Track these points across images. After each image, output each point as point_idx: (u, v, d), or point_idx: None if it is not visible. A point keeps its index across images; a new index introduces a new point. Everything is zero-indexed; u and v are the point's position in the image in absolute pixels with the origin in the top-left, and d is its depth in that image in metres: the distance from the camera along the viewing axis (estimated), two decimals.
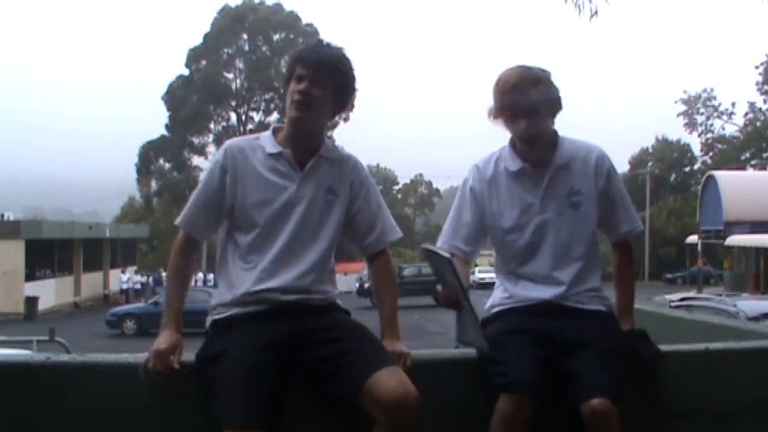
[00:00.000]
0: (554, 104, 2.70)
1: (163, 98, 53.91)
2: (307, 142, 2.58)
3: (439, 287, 2.59)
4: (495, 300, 2.78)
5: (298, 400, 2.43)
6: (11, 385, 2.49)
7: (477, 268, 47.35)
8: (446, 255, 2.52)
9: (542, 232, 2.69)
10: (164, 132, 54.37)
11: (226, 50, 54.44)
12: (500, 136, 2.78)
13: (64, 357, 2.78)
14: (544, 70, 2.70)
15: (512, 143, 2.77)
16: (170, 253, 2.62)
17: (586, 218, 2.72)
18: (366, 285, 30.95)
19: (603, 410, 2.35)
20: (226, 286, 2.54)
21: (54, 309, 33.54)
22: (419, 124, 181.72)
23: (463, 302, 2.52)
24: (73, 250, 37.70)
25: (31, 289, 32.01)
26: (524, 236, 2.70)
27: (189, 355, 2.47)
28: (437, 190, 78.76)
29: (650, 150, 60.90)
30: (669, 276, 47.54)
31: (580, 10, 7.50)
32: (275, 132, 2.63)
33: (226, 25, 53.54)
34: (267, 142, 2.59)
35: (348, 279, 37.28)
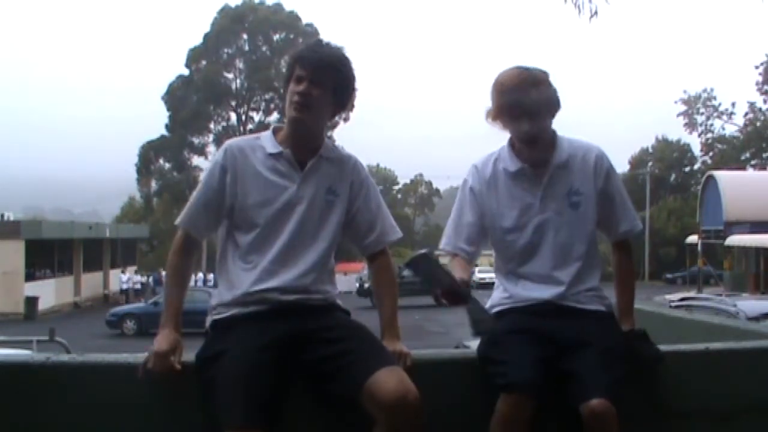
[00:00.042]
0: (554, 104, 2.70)
1: (163, 98, 53.90)
2: (307, 142, 2.58)
3: (438, 291, 2.56)
4: (495, 300, 2.78)
5: (298, 400, 2.43)
6: (11, 385, 2.49)
7: (477, 268, 47.29)
8: (421, 251, 2.52)
9: (542, 232, 2.69)
10: (164, 132, 54.36)
11: (226, 50, 54.43)
12: (500, 137, 2.79)
13: (64, 357, 2.78)
14: (542, 71, 2.70)
15: (511, 143, 2.77)
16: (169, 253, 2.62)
17: (585, 218, 2.72)
18: (366, 285, 30.93)
19: (602, 410, 2.35)
20: (226, 286, 2.54)
21: (54, 309, 33.54)
22: (419, 124, 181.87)
23: (463, 290, 2.52)
24: (73, 250, 37.70)
25: (31, 289, 32.01)
26: (524, 236, 2.70)
27: (189, 355, 2.47)
28: (437, 190, 78.76)
29: (650, 150, 60.91)
30: (669, 276, 47.55)
31: (580, 10, 7.50)
32: (275, 132, 2.63)
33: (226, 25, 53.52)
34: (267, 142, 2.59)
35: (348, 279, 37.26)
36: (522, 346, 2.50)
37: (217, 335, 2.47)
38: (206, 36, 53.94)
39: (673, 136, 60.42)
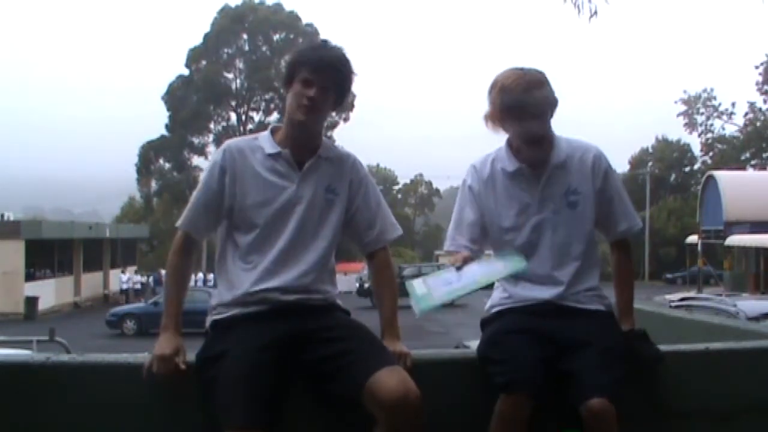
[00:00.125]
0: (555, 104, 2.71)
1: (163, 98, 53.89)
2: (307, 143, 2.58)
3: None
4: (494, 300, 2.78)
5: (298, 400, 2.43)
6: (11, 385, 2.49)
7: None
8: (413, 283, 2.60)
9: (540, 232, 2.69)
10: (164, 132, 54.35)
11: (226, 50, 54.41)
12: (501, 137, 2.78)
13: (64, 357, 2.78)
14: (540, 71, 2.71)
15: (509, 144, 2.77)
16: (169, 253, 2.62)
17: (583, 217, 2.72)
18: (366, 285, 30.95)
19: (602, 410, 2.35)
20: (226, 286, 2.54)
21: (54, 309, 33.54)
22: (419, 124, 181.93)
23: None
24: (73, 250, 37.70)
25: (31, 289, 32.00)
26: (522, 236, 2.71)
27: (189, 355, 2.47)
28: (437, 190, 78.74)
29: (650, 150, 60.91)
30: (669, 276, 47.55)
31: (579, 10, 7.50)
32: (273, 132, 2.63)
33: (226, 25, 53.51)
34: (265, 142, 2.59)
35: (348, 279, 37.27)
36: (522, 346, 2.50)
37: (217, 335, 2.47)
38: (206, 36, 53.93)
39: (673, 136, 60.51)
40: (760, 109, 55.57)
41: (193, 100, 52.87)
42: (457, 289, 2.55)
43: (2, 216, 36.74)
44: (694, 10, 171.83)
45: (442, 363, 2.67)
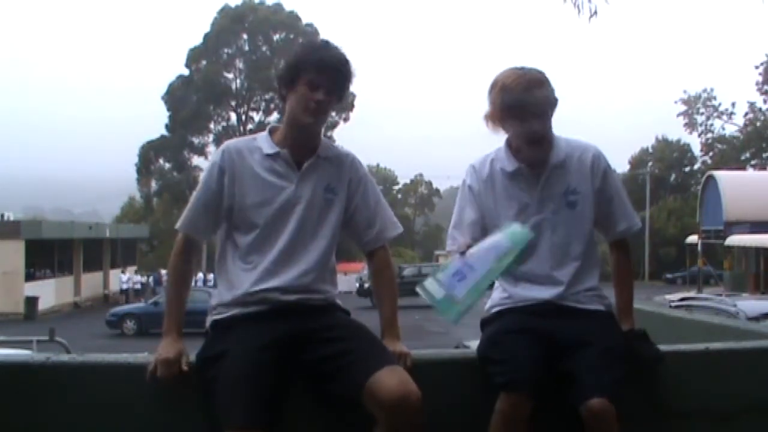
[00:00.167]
0: (554, 104, 2.71)
1: (163, 98, 53.89)
2: (306, 143, 2.58)
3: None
4: (494, 300, 2.78)
5: (298, 400, 2.43)
6: (11, 385, 2.49)
7: None
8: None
9: (539, 232, 2.69)
10: (164, 132, 54.36)
11: (226, 50, 54.42)
12: (501, 137, 2.78)
13: (64, 357, 2.79)
14: (540, 71, 2.70)
15: (508, 144, 2.77)
16: (170, 253, 2.62)
17: (582, 217, 2.72)
18: (366, 285, 30.93)
19: (602, 410, 2.35)
20: (226, 286, 2.54)
21: (54, 309, 33.54)
22: (419, 124, 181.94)
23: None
24: (73, 250, 37.70)
25: (31, 289, 32.00)
26: None
27: (189, 355, 2.47)
28: (437, 190, 78.71)
29: (650, 150, 60.91)
30: (669, 276, 47.55)
31: (579, 10, 7.50)
32: (272, 132, 2.63)
33: (226, 25, 53.51)
34: (264, 142, 2.59)
35: (348, 279, 37.26)
36: (522, 346, 2.50)
37: (217, 335, 2.47)
38: (206, 36, 53.93)
39: (673, 136, 60.49)
40: (760, 109, 55.61)
41: (193, 100, 52.86)
42: (478, 282, 2.52)
43: (2, 216, 36.73)
44: (694, 10, 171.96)
45: (442, 363, 2.68)
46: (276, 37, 53.86)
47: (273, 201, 2.52)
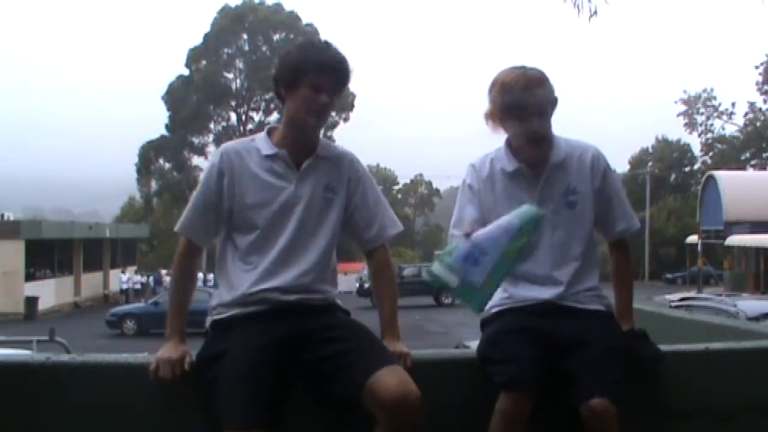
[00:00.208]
0: (554, 103, 2.71)
1: (163, 98, 53.92)
2: (305, 143, 2.58)
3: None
4: (494, 301, 2.77)
5: (298, 400, 2.43)
6: (11, 385, 2.49)
7: None
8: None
9: (539, 232, 2.68)
10: (164, 132, 54.38)
11: (226, 50, 54.43)
12: (501, 137, 2.78)
13: (64, 357, 2.78)
14: (540, 70, 2.70)
15: (508, 144, 2.77)
16: (170, 253, 2.62)
17: (582, 217, 2.72)
18: (366, 285, 30.95)
19: (602, 410, 2.35)
20: (226, 287, 2.54)
21: (54, 309, 33.54)
22: (419, 124, 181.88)
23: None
24: (73, 250, 37.70)
25: (31, 289, 32.00)
26: None
27: (192, 355, 2.47)
28: (437, 190, 78.68)
29: (650, 150, 60.88)
30: (669, 276, 47.54)
31: (579, 10, 7.50)
32: (270, 133, 2.62)
33: (226, 25, 53.53)
34: (262, 143, 2.59)
35: (348, 279, 37.29)
36: (522, 345, 2.50)
37: (217, 335, 2.47)
38: (206, 36, 53.95)
39: (673, 136, 60.46)
40: (760, 109, 55.60)
41: (193, 100, 52.88)
42: (495, 266, 2.47)
43: (2, 216, 36.75)
44: (694, 10, 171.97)
45: (442, 363, 2.67)
46: (276, 37, 53.86)
47: (272, 202, 2.52)
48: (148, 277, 43.44)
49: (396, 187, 77.23)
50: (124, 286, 39.71)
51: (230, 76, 55.04)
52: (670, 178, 59.78)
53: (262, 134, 2.63)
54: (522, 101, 2.61)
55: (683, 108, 58.82)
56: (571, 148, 2.75)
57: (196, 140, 54.80)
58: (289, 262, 2.50)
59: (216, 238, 2.64)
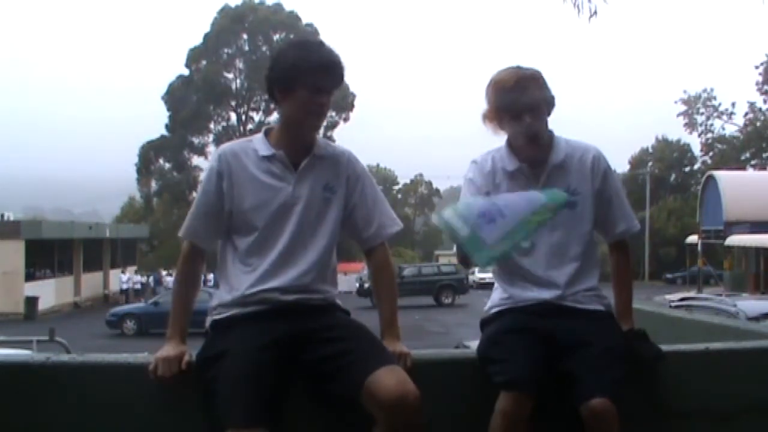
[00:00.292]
0: (551, 102, 2.71)
1: (163, 98, 53.95)
2: (302, 143, 2.58)
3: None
4: (494, 301, 2.78)
5: (298, 400, 2.43)
6: (11, 385, 2.49)
7: (477, 268, 47.39)
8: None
9: (538, 232, 2.69)
10: (164, 132, 54.42)
11: (226, 50, 54.46)
12: (500, 138, 2.78)
13: (64, 357, 2.78)
14: (536, 70, 2.71)
15: (509, 144, 2.77)
16: (170, 253, 2.63)
17: (582, 218, 2.72)
18: (366, 285, 30.94)
19: (602, 410, 2.35)
20: (226, 287, 2.54)
21: (54, 309, 33.53)
22: (419, 124, 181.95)
23: None
24: (73, 250, 37.69)
25: (31, 289, 31.99)
26: None
27: (192, 354, 2.47)
28: (437, 190, 78.67)
29: (650, 150, 60.85)
30: (669, 276, 47.53)
31: (579, 10, 7.48)
32: (267, 133, 2.62)
33: (226, 25, 53.54)
34: (260, 144, 2.58)
35: (348, 279, 37.29)
36: (522, 345, 2.50)
37: (217, 335, 2.48)
38: (206, 36, 53.97)
39: (673, 136, 60.42)
40: (760, 109, 55.57)
41: (193, 100, 52.91)
42: (511, 231, 2.40)
43: (2, 216, 36.74)
44: (694, 10, 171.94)
45: (442, 363, 2.67)
46: (276, 37, 53.84)
47: (271, 202, 2.52)
48: (148, 277, 43.43)
49: (396, 187, 77.22)
50: (124, 286, 39.71)
51: (230, 76, 55.06)
52: (670, 178, 59.76)
53: (260, 135, 2.63)
54: (515, 99, 2.62)
55: (683, 108, 58.81)
56: (572, 149, 2.75)
57: (196, 140, 54.84)
58: (288, 263, 2.50)
59: (219, 240, 2.64)
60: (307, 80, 2.47)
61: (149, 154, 54.37)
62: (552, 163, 2.71)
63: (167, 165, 54.88)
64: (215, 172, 2.56)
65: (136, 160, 54.47)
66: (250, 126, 52.79)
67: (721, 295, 17.42)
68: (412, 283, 33.13)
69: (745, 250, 34.39)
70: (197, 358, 2.45)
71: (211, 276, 31.99)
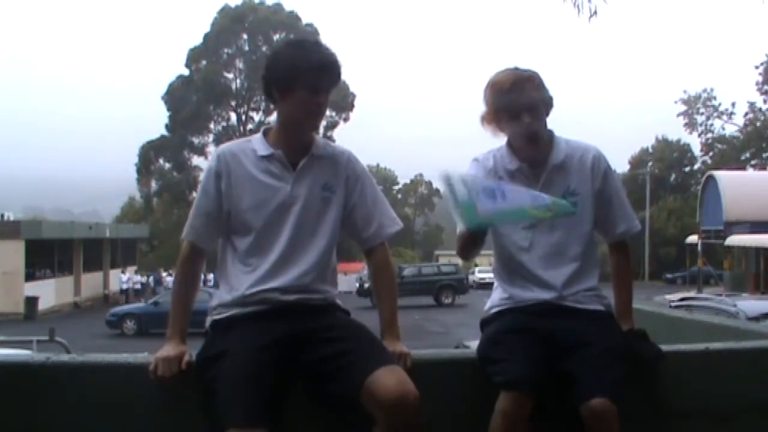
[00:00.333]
0: (549, 102, 2.71)
1: (163, 98, 53.97)
2: (301, 142, 2.58)
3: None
4: (494, 301, 2.78)
5: (298, 400, 2.43)
6: (11, 385, 2.49)
7: (477, 268, 47.42)
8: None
9: (538, 232, 2.69)
10: (164, 132, 54.43)
11: (226, 50, 54.47)
12: (499, 139, 2.78)
13: (64, 357, 2.78)
14: (533, 71, 2.72)
15: (509, 144, 2.78)
16: (170, 253, 2.63)
17: (582, 218, 2.72)
18: (366, 285, 30.95)
19: (602, 410, 2.35)
20: (226, 288, 2.54)
21: (54, 309, 33.53)
22: (419, 124, 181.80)
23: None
24: (73, 250, 37.70)
25: (31, 289, 32.00)
26: (520, 235, 2.71)
27: (192, 354, 2.47)
28: (437, 190, 78.42)
29: (650, 150, 60.86)
30: (669, 276, 47.54)
31: (579, 10, 7.48)
32: (266, 133, 2.62)
33: (226, 25, 53.55)
34: (258, 144, 2.58)
35: (348, 279, 37.29)
36: (522, 345, 2.50)
37: (217, 335, 2.48)
38: (206, 36, 53.99)
39: (673, 136, 60.42)
40: (760, 109, 55.58)
41: (193, 100, 52.92)
42: (505, 211, 2.47)
43: (2, 216, 36.75)
44: (694, 10, 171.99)
45: (442, 363, 2.67)
46: (276, 37, 53.82)
47: (269, 202, 2.52)
48: (148, 277, 43.41)
49: (396, 187, 77.24)
50: (124, 286, 39.71)
51: (230, 76, 55.08)
52: (670, 178, 59.76)
53: (258, 135, 2.62)
54: (513, 99, 2.63)
55: (683, 108, 58.82)
56: (572, 149, 2.75)
57: (196, 140, 54.85)
58: (288, 263, 2.50)
59: (219, 240, 2.65)
60: (306, 80, 2.47)
61: (149, 154, 54.38)
62: (552, 163, 2.71)
63: (167, 165, 54.89)
64: (214, 173, 2.56)
65: (136, 160, 54.53)
66: (250, 126, 52.79)
67: (721, 295, 17.42)
68: (412, 283, 33.13)
69: (745, 250, 34.39)
70: (197, 358, 2.45)
71: (211, 276, 31.97)
